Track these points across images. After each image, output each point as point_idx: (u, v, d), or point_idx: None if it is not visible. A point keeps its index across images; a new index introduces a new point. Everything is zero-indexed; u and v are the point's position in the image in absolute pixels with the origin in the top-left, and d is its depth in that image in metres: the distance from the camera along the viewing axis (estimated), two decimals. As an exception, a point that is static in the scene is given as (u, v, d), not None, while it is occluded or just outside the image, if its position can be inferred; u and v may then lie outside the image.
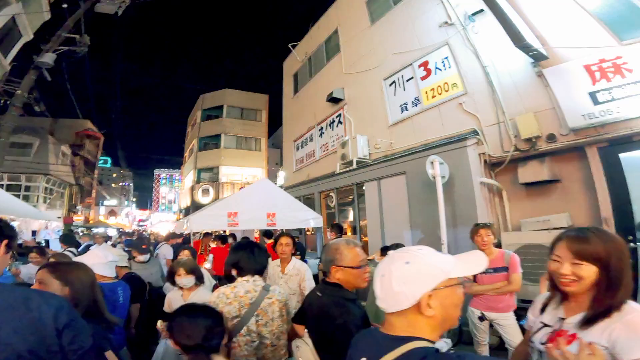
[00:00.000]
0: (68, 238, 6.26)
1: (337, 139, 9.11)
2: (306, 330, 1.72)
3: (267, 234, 7.05)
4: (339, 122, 9.18)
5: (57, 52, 10.00)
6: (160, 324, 2.20)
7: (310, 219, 6.61)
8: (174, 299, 2.74)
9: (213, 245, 6.89)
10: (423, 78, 6.67)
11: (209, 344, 1.36)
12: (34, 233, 6.71)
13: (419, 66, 6.76)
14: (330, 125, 9.65)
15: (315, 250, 7.92)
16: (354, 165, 7.41)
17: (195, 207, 21.50)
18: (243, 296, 1.90)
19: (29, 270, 3.83)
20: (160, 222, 24.24)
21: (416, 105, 6.78)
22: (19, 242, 5.72)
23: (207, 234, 7.35)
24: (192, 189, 24.53)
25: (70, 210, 24.30)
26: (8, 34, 10.39)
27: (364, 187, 7.43)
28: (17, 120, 9.56)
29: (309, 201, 9.48)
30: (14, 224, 5.56)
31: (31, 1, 10.50)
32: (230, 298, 1.89)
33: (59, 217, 8.26)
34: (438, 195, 4.93)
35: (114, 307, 2.30)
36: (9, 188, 20.69)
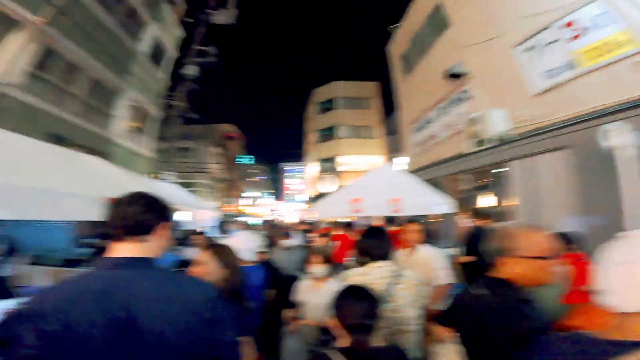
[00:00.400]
0: (224, 225, 7.37)
1: (462, 117, 8.04)
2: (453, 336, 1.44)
3: (391, 220, 6.77)
4: (463, 98, 8.09)
5: (196, 64, 11.94)
6: (288, 312, 2.19)
7: (441, 204, 5.99)
8: (304, 288, 2.66)
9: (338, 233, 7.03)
10: (572, 39, 5.36)
11: (369, 323, 1.33)
12: (193, 223, 8.08)
13: (565, 26, 5.42)
14: (451, 103, 8.62)
15: (440, 238, 7.21)
16: (489, 144, 6.34)
17: (319, 196, 22.85)
18: (376, 282, 1.83)
19: (189, 255, 4.12)
20: (289, 211, 26.69)
21: (570, 70, 5.41)
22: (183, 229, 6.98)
23: (337, 222, 7.58)
24: (315, 179, 26.02)
25: (224, 203, 29.31)
26: (160, 55, 12.58)
27: (505, 167, 6.31)
28: (179, 129, 11.84)
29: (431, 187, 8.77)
30: (184, 214, 6.77)
31: (166, 21, 12.49)
32: (365, 284, 1.79)
33: (217, 207, 9.88)
34: (618, 172, 3.70)
35: (249, 291, 2.43)
36: (182, 186, 26.41)
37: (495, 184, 6.69)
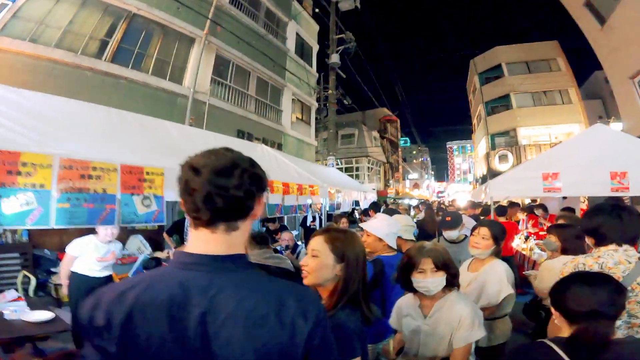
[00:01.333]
0: (376, 206, 7.18)
1: None
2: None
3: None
4: None
5: (338, 52, 12.09)
6: None
7: None
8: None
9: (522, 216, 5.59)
10: None
11: (606, 311, 1.12)
12: (356, 203, 8.16)
13: None
14: None
15: None
16: None
17: (492, 175, 19.84)
18: (612, 268, 1.58)
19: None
20: (457, 193, 24.42)
21: None
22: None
23: (512, 204, 6.11)
24: (487, 156, 22.77)
25: (386, 185, 29.72)
26: (303, 50, 13.64)
27: None
28: (337, 117, 12.37)
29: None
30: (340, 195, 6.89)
31: (300, 17, 13.34)
32: (593, 270, 1.58)
33: (374, 189, 9.88)
34: None
35: (385, 287, 1.99)
36: (346, 170, 28.34)
37: None
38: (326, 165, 11.15)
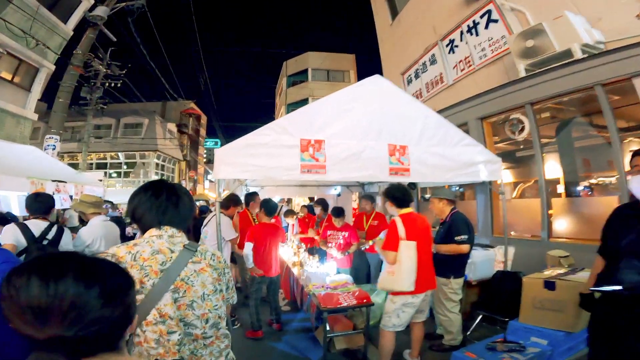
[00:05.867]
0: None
1: (492, 44, 5.76)
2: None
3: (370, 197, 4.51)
4: (490, 20, 5.88)
5: (115, 10, 8.80)
6: None
7: (481, 165, 3.56)
8: None
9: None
10: None
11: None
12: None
13: None
14: (470, 30, 6.35)
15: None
16: (574, 56, 4.21)
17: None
18: (148, 259, 1.11)
19: None
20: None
21: None
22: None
23: (250, 195, 5.04)
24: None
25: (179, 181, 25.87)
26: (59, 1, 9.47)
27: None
28: (76, 79, 8.57)
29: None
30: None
31: None
32: (126, 262, 1.09)
33: (101, 180, 6.96)
34: None
35: None
36: (128, 165, 22.75)
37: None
38: (43, 149, 7.19)
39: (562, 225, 4.84)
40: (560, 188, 4.99)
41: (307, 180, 5.45)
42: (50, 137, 7.51)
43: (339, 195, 6.67)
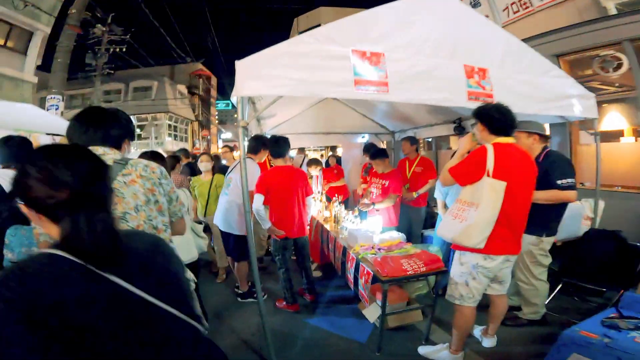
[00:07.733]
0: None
1: None
2: None
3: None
4: None
5: None
6: None
7: (575, 99, 2.82)
8: None
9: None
10: None
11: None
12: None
13: None
14: None
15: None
16: None
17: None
18: None
19: None
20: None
21: None
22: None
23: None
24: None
25: (193, 145, 25.55)
26: None
27: None
28: (73, 39, 7.93)
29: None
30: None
31: None
32: None
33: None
34: None
35: None
36: (138, 127, 22.30)
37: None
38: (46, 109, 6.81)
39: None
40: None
41: (355, 107, 4.78)
42: (52, 97, 7.08)
43: (366, 142, 5.80)
